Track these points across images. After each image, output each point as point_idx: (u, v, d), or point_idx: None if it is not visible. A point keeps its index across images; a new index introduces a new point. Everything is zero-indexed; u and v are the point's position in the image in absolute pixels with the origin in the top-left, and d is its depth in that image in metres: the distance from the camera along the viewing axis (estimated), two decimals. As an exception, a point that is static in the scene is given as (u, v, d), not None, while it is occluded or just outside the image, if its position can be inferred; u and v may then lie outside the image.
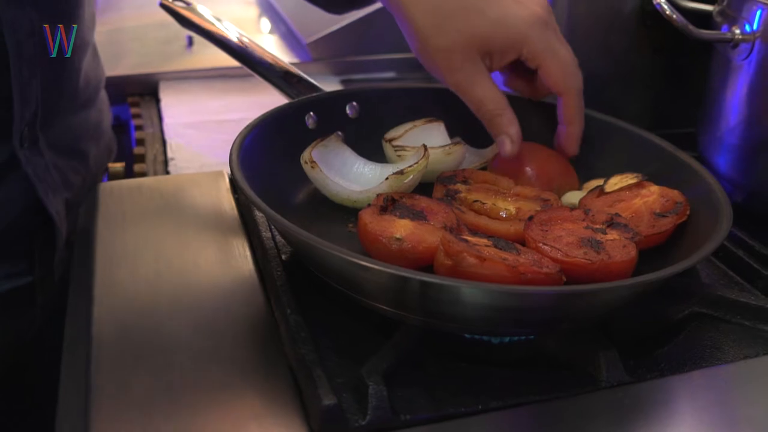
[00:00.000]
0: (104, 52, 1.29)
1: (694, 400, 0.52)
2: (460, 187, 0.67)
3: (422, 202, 0.62)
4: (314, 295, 0.58)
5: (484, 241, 0.55)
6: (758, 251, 0.67)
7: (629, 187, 0.67)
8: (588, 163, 0.74)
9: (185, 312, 0.57)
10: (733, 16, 0.71)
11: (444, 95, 0.76)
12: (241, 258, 0.63)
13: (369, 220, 0.57)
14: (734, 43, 0.70)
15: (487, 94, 0.64)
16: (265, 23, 1.44)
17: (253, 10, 1.52)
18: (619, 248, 0.57)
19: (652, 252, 0.61)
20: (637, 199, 0.66)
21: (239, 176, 0.56)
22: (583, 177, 0.73)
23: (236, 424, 0.47)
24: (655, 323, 0.60)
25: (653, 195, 0.66)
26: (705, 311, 0.60)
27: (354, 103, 0.76)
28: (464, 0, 0.62)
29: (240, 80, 1.20)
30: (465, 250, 0.51)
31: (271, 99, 1.00)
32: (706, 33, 0.71)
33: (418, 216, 0.60)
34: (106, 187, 0.72)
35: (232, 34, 0.80)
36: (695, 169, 0.66)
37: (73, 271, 0.63)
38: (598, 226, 0.60)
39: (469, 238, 0.55)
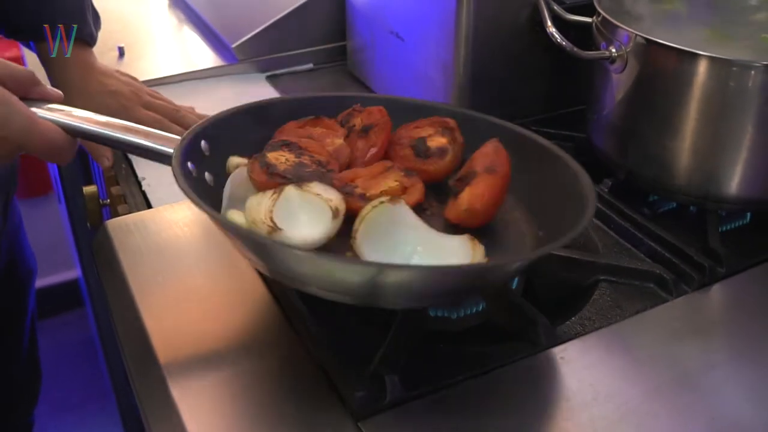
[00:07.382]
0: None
1: (608, 351, 0.72)
2: (357, 189, 0.73)
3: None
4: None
5: None
6: (639, 222, 0.87)
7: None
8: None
9: (222, 329, 0.72)
10: (607, 36, 0.90)
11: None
12: (252, 278, 0.79)
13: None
14: (611, 60, 0.89)
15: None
16: (186, 29, 1.53)
17: (174, 18, 1.60)
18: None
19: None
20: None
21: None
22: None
23: (297, 418, 0.64)
24: (571, 291, 0.81)
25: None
26: (606, 278, 0.81)
27: (203, 142, 0.75)
28: None
29: (175, 86, 1.31)
30: None
31: (212, 104, 1.07)
32: (588, 54, 0.89)
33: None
34: (115, 223, 0.85)
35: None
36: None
37: (115, 307, 0.77)
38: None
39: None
